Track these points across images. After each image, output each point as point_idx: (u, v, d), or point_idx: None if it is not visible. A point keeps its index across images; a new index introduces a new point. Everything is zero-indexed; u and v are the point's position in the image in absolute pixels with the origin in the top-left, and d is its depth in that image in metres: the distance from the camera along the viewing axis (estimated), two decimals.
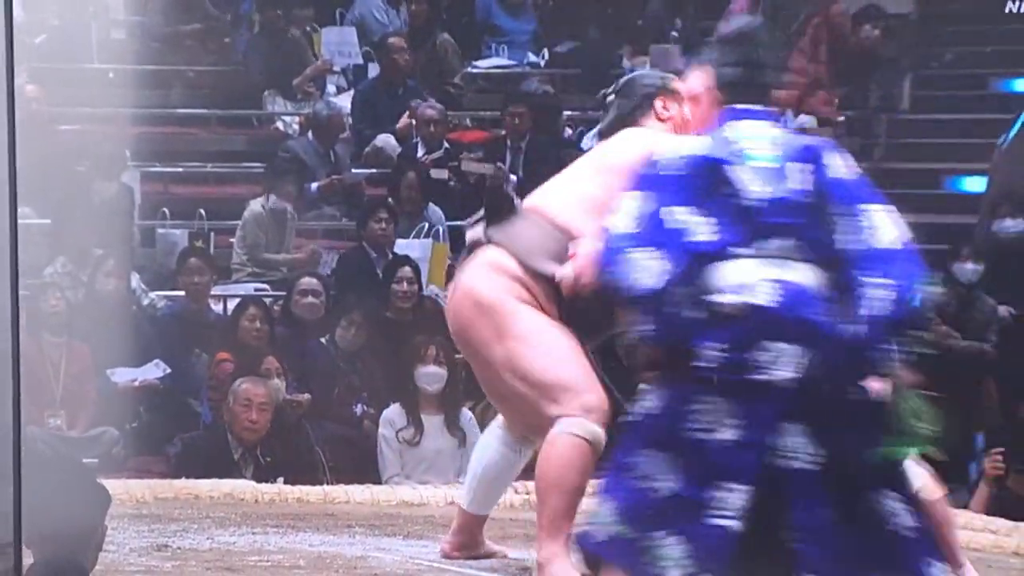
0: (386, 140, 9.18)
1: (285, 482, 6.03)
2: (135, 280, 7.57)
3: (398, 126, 9.22)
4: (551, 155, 8.95)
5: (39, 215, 7.56)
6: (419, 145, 9.07)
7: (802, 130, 9.06)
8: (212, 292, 7.64)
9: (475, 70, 10.16)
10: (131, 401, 6.97)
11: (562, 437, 3.94)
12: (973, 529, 4.98)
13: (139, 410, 6.99)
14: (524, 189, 9.08)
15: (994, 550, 4.81)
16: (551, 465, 3.96)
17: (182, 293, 7.58)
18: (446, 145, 9.08)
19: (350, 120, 9.33)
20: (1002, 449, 5.47)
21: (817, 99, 9.25)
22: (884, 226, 3.36)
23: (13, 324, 2.94)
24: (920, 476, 3.83)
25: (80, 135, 8.30)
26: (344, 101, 9.45)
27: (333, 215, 8.81)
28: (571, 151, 9.13)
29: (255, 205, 8.26)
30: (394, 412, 6.83)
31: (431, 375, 6.81)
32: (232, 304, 7.51)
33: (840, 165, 3.41)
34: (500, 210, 4.05)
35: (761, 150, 3.42)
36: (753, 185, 3.38)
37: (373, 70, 9.79)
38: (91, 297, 7.27)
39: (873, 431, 3.32)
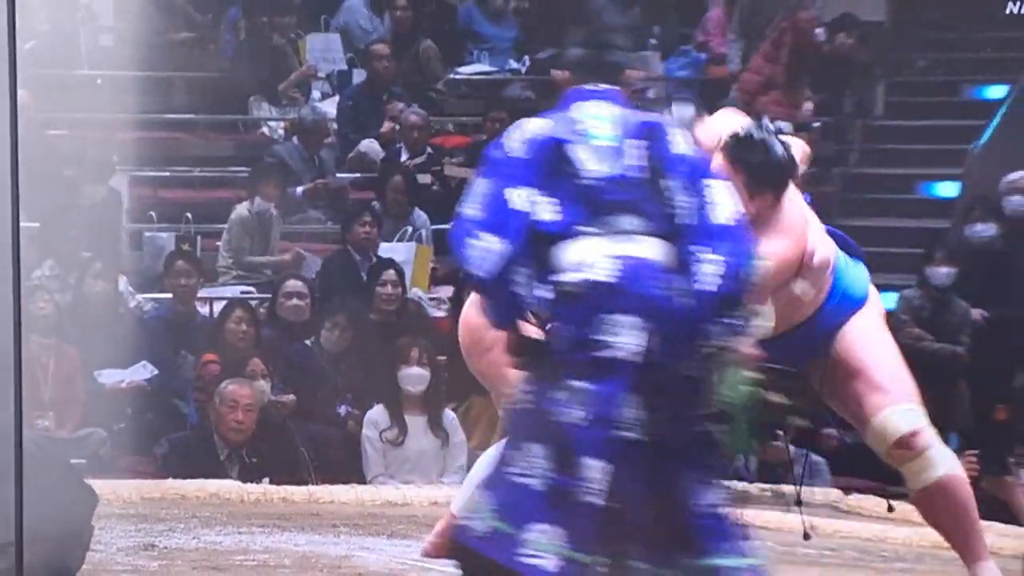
0: (370, 145, 9.16)
1: (270, 482, 6.02)
2: (123, 283, 7.54)
3: (382, 131, 9.20)
4: None
5: (28, 218, 7.51)
6: (402, 150, 9.06)
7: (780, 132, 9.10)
8: (199, 295, 7.61)
9: (458, 76, 10.14)
10: (119, 402, 6.94)
11: None
12: None
13: (126, 411, 6.96)
14: None
15: None
16: None
17: (169, 296, 7.55)
18: (429, 150, 9.08)
19: (335, 125, 9.31)
20: (976, 451, 5.47)
21: (769, 99, 9.23)
22: (721, 202, 3.36)
23: (15, 327, 2.92)
24: (947, 458, 3.84)
25: (69, 140, 8.28)
26: (329, 106, 9.44)
27: (318, 219, 8.79)
28: None
29: (241, 209, 8.24)
30: (378, 413, 6.81)
31: (414, 376, 6.80)
32: (218, 306, 7.48)
33: (681, 141, 3.41)
34: None
35: (602, 129, 3.41)
36: (591, 164, 3.38)
37: (358, 76, 9.77)
38: (79, 300, 7.24)
39: (699, 407, 3.33)
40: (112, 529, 4.76)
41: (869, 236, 6.75)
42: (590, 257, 3.33)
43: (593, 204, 3.37)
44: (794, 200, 3.88)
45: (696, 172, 3.39)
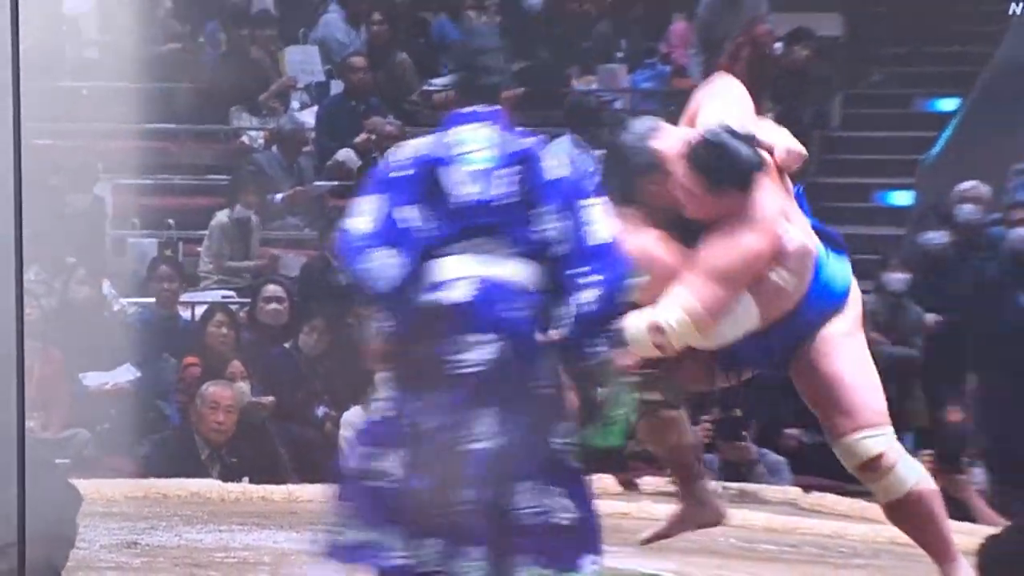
0: (347, 154, 9.14)
1: (250, 481, 5.99)
2: (107, 287, 7.50)
3: (357, 141, 9.18)
4: None
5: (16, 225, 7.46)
6: (379, 159, 9.03)
7: None
8: (180, 299, 7.58)
9: (431, 88, 10.14)
10: (102, 404, 6.91)
11: None
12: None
13: (110, 412, 6.92)
14: None
15: None
16: None
17: (152, 300, 7.51)
18: None
19: (313, 134, 9.28)
20: (932, 451, 5.48)
21: None
22: (597, 223, 3.37)
23: (17, 330, 2.89)
24: (915, 470, 3.83)
25: (54, 149, 8.24)
26: (307, 117, 9.41)
27: (296, 225, 8.77)
28: None
29: (221, 216, 8.21)
30: (355, 414, 6.77)
31: None
32: (200, 310, 7.45)
33: (556, 165, 3.41)
34: None
35: (476, 152, 3.43)
36: (461, 187, 3.40)
37: (335, 87, 9.75)
38: (64, 304, 7.20)
39: (558, 421, 3.36)
40: (96, 527, 4.72)
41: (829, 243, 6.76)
42: (451, 276, 3.36)
43: (462, 225, 3.39)
44: (767, 191, 3.84)
45: (571, 195, 3.39)
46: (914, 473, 3.83)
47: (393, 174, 3.44)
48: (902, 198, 9.40)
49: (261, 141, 9.32)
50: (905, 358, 7.39)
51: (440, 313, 3.34)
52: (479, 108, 3.48)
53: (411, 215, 3.39)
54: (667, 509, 5.15)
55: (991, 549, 3.16)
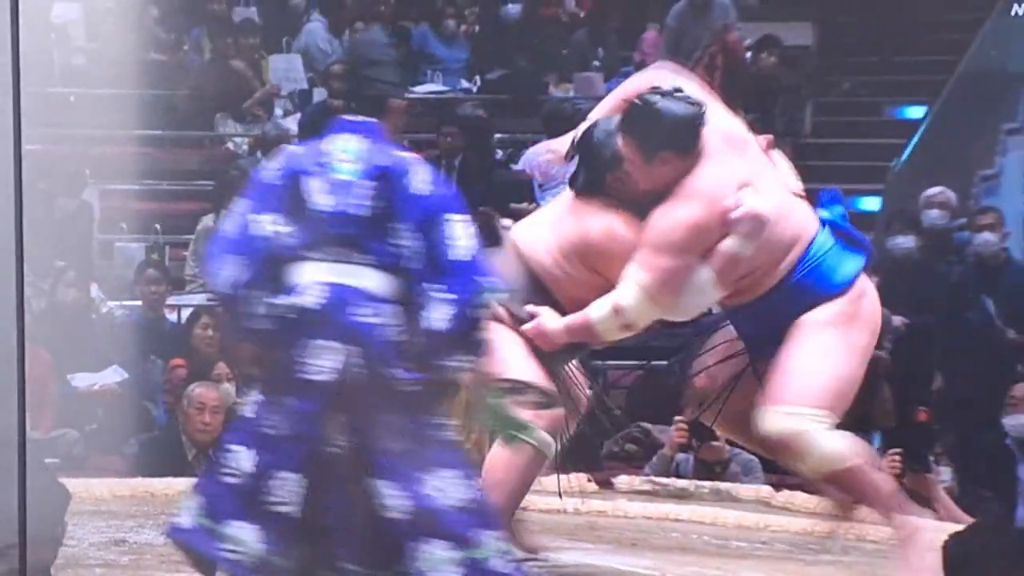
0: None
1: None
2: (95, 290, 7.49)
3: None
4: (482, 175, 8.96)
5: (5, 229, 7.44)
6: None
7: None
8: (167, 302, 7.57)
9: (412, 95, 10.14)
10: (91, 404, 6.90)
11: (509, 444, 3.88)
12: (871, 522, 5.00)
13: (98, 413, 6.91)
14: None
15: (890, 541, 4.80)
16: (497, 468, 3.94)
17: (139, 303, 7.51)
18: None
19: (296, 141, 9.28)
20: (899, 450, 5.50)
21: None
22: (457, 239, 3.38)
23: (18, 331, 2.89)
24: (832, 459, 3.80)
25: (43, 154, 8.22)
26: (291, 124, 9.41)
27: None
28: (502, 171, 9.15)
29: (207, 220, 8.20)
30: None
31: None
32: (186, 313, 7.44)
33: (421, 181, 3.41)
34: (491, 242, 4.02)
35: (341, 163, 3.44)
36: (320, 197, 3.41)
37: (318, 95, 9.74)
38: (53, 306, 7.19)
39: (430, 412, 3.40)
40: (84, 525, 4.71)
41: None
42: (304, 282, 3.38)
43: (320, 234, 3.40)
44: (714, 160, 3.81)
45: (433, 211, 3.39)
46: (832, 459, 3.79)
47: (262, 180, 3.48)
48: (871, 203, 9.43)
49: (246, 147, 9.32)
50: (874, 359, 7.41)
51: (290, 318, 3.36)
52: (357, 119, 3.50)
53: (268, 221, 3.42)
54: (642, 508, 5.18)
55: (956, 546, 3.17)
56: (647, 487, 5.51)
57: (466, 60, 10.38)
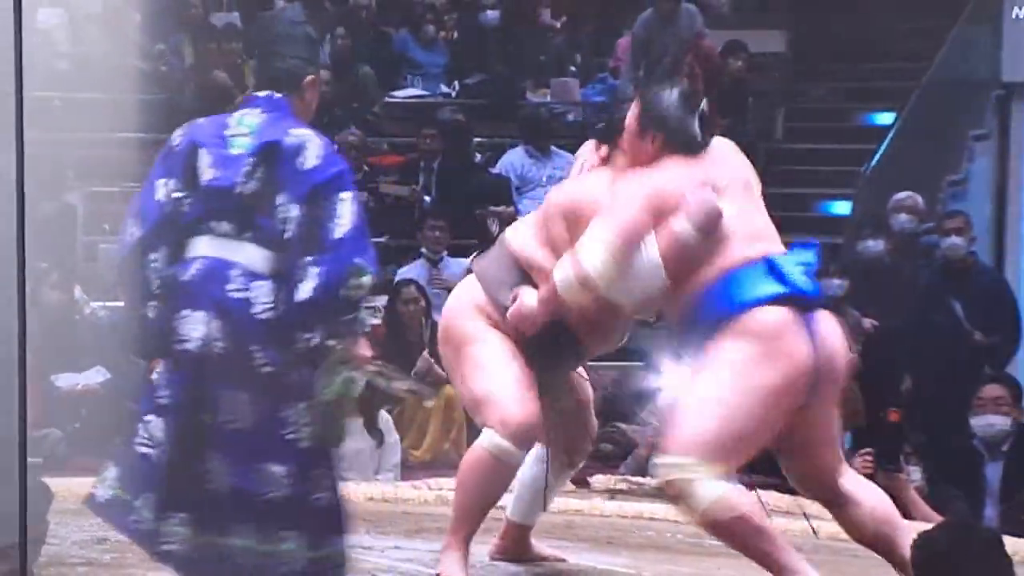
0: None
1: None
2: (78, 291, 7.45)
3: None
4: (461, 178, 8.95)
5: None
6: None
7: None
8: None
9: (393, 99, 10.13)
10: (74, 404, 6.86)
11: (475, 447, 3.91)
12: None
13: (81, 413, 6.87)
14: (437, 208, 9.14)
15: None
16: (462, 468, 3.94)
17: (122, 304, 7.45)
18: (366, 168, 9.04)
19: None
20: (871, 449, 5.51)
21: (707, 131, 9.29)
22: (340, 217, 3.35)
23: (19, 332, 2.87)
24: (710, 500, 3.65)
25: (28, 158, 8.15)
26: None
27: None
28: (480, 174, 9.15)
29: None
30: None
31: None
32: None
33: (312, 157, 3.38)
34: (484, 242, 4.03)
35: (235, 137, 3.44)
36: (209, 170, 3.42)
37: None
38: (37, 307, 7.14)
39: (275, 400, 3.37)
40: (67, 524, 4.68)
41: None
42: (190, 255, 3.41)
43: (208, 207, 3.41)
44: (690, 160, 3.80)
45: (319, 187, 3.36)
46: (708, 502, 3.64)
47: (169, 146, 3.50)
48: (841, 208, 9.46)
49: None
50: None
51: (172, 287, 3.40)
52: (263, 94, 3.48)
53: (164, 185, 3.46)
54: (618, 507, 5.18)
55: (925, 545, 3.18)
56: (623, 486, 5.51)
57: (445, 65, 10.37)
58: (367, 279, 3.35)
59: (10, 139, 2.95)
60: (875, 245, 7.86)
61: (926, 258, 7.89)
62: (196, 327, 3.35)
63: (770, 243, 3.80)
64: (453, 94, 10.23)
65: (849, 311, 7.59)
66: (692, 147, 3.85)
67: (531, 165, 9.09)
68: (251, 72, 9.89)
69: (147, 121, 9.35)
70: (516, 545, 4.23)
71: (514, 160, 9.16)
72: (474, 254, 4.09)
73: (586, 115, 10.14)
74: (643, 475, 5.81)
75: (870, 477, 5.45)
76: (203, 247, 3.39)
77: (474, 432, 7.67)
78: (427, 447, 7.21)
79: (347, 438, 3.51)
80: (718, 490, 3.65)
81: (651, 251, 3.69)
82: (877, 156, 9.23)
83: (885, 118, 9.92)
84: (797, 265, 3.77)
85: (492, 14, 10.31)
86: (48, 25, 9.60)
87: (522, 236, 3.97)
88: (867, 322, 7.57)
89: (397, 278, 8.08)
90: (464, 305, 3.97)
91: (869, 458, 5.47)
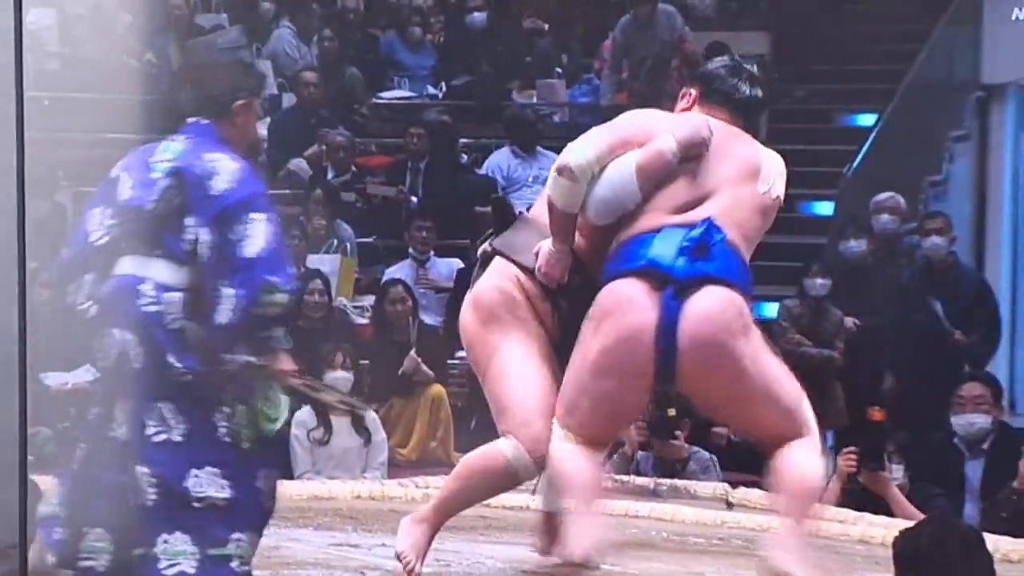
0: (298, 164, 9.10)
1: None
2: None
3: (306, 154, 9.13)
4: (448, 178, 8.95)
5: None
6: (329, 169, 9.01)
7: None
8: None
9: (380, 101, 10.12)
10: (63, 403, 6.83)
11: (495, 449, 3.79)
12: (823, 519, 5.01)
13: (70, 411, 6.84)
14: (424, 208, 9.12)
15: (841, 538, 4.84)
16: (470, 459, 3.86)
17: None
18: (354, 169, 9.03)
19: (266, 145, 9.23)
20: (855, 448, 5.51)
21: None
22: (250, 237, 3.41)
23: (20, 333, 2.86)
24: (552, 449, 3.70)
25: (16, 157, 8.13)
26: (260, 128, 9.35)
27: None
28: (466, 175, 9.14)
29: None
30: (305, 414, 6.75)
31: (339, 379, 6.74)
32: None
33: (223, 180, 3.46)
34: (504, 224, 3.95)
35: (160, 162, 3.53)
36: (127, 192, 3.52)
37: (287, 100, 9.70)
38: (28, 306, 7.11)
39: (202, 405, 3.44)
40: None
41: (754, 251, 6.80)
42: (113, 273, 3.50)
43: (125, 227, 3.51)
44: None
45: (230, 209, 3.43)
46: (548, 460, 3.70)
47: (106, 179, 3.60)
48: (824, 208, 9.46)
49: None
50: (826, 359, 7.45)
51: (94, 306, 3.49)
52: (192, 120, 3.58)
53: (97, 214, 3.54)
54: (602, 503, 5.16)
55: (906, 542, 3.18)
56: (607, 484, 5.49)
57: (432, 67, 10.36)
58: (281, 297, 3.41)
59: (10, 139, 2.94)
60: (857, 245, 7.86)
61: (907, 258, 7.90)
62: (111, 342, 3.45)
63: (679, 216, 3.67)
64: (440, 95, 10.22)
65: (832, 310, 7.62)
66: (732, 106, 3.82)
67: (517, 165, 9.09)
68: None
69: (137, 121, 9.34)
70: (556, 538, 4.09)
71: (500, 161, 9.16)
72: (489, 238, 3.93)
73: (571, 116, 10.14)
74: (627, 473, 5.82)
75: (853, 475, 5.48)
76: (123, 266, 3.50)
77: (460, 431, 7.68)
78: (414, 446, 7.21)
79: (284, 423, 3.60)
80: (553, 449, 3.70)
81: (631, 159, 3.65)
82: (859, 157, 9.24)
83: (867, 119, 9.94)
84: (681, 239, 3.62)
85: (478, 16, 10.31)
86: (38, 26, 9.57)
87: (540, 205, 3.90)
88: (849, 321, 7.58)
89: (384, 278, 8.07)
90: (495, 293, 3.81)
91: (853, 456, 5.47)
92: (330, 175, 8.92)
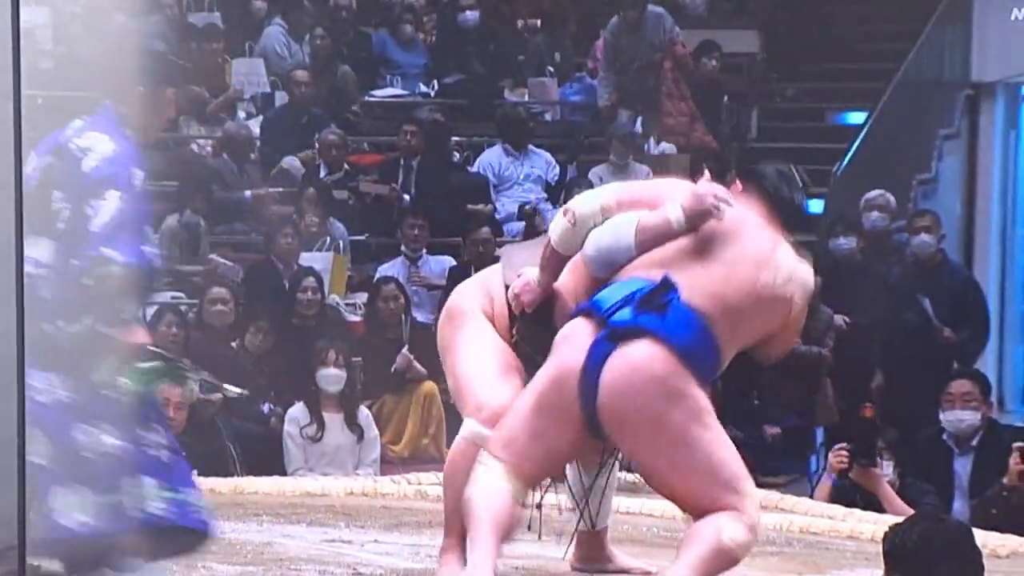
0: (291, 162, 9.09)
1: (199, 474, 5.89)
2: None
3: (299, 155, 9.13)
4: (440, 176, 8.95)
5: None
6: (321, 167, 9.00)
7: (662, 156, 9.17)
8: None
9: (372, 99, 10.12)
10: None
11: (456, 440, 3.83)
12: (813, 515, 5.03)
13: None
14: (416, 206, 9.11)
15: (831, 533, 4.84)
16: (447, 465, 3.86)
17: None
18: (346, 167, 9.03)
19: (258, 143, 9.23)
20: (846, 444, 5.52)
21: (698, 132, 9.32)
22: (100, 212, 3.52)
23: (19, 332, 2.85)
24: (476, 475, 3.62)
25: (9, 155, 8.12)
26: (253, 127, 9.35)
27: (243, 230, 8.71)
28: (458, 173, 9.15)
29: (171, 220, 8.14)
30: (298, 411, 6.76)
31: (331, 376, 6.75)
32: (151, 311, 7.38)
33: (94, 159, 3.59)
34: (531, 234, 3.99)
35: (44, 144, 3.64)
36: (29, 169, 3.53)
37: (279, 98, 9.69)
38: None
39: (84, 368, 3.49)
40: None
41: None
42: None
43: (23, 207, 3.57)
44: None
45: (92, 185, 3.53)
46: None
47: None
48: (814, 206, 9.46)
49: (209, 149, 9.25)
50: (816, 357, 7.46)
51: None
52: (106, 103, 3.74)
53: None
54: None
55: (896, 538, 3.19)
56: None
57: (424, 65, 10.36)
58: (115, 269, 3.48)
59: (8, 140, 2.94)
60: (847, 243, 7.87)
61: (897, 256, 7.92)
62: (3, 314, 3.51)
63: (656, 270, 3.57)
64: (432, 93, 10.22)
65: (822, 308, 7.62)
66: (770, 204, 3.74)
67: (509, 163, 9.10)
68: (231, 72, 9.88)
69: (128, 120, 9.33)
70: (594, 553, 4.09)
71: (492, 159, 9.17)
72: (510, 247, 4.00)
73: (563, 114, 10.14)
74: (619, 470, 5.81)
75: (845, 472, 5.48)
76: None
77: (453, 428, 7.67)
78: (406, 442, 7.21)
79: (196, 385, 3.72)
80: (475, 476, 3.62)
81: (632, 218, 3.60)
82: (849, 155, 9.26)
83: (857, 118, 9.95)
84: (628, 290, 3.52)
85: (471, 14, 10.30)
86: (31, 25, 9.53)
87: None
88: (839, 319, 7.59)
89: (377, 276, 8.07)
90: (472, 293, 3.88)
91: (844, 453, 5.48)
92: (323, 173, 8.92)
